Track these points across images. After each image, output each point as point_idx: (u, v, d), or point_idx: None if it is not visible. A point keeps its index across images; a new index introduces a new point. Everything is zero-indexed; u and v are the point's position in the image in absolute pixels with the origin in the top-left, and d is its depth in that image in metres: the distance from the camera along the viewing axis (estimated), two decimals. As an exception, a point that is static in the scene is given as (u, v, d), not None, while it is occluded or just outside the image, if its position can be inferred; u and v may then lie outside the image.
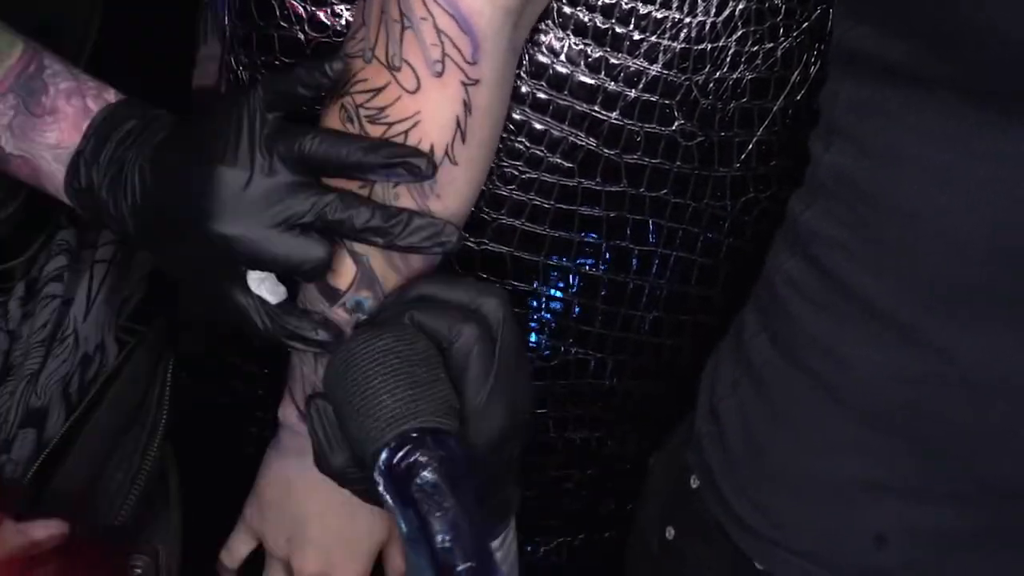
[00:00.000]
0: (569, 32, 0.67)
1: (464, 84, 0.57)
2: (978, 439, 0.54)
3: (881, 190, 0.55)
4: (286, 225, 0.55)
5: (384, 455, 0.50)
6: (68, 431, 0.68)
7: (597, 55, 0.68)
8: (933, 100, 0.52)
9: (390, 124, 0.57)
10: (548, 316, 0.75)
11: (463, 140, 0.58)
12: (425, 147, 0.57)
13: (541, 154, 0.69)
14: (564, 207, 0.71)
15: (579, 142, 0.69)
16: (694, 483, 0.67)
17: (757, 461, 0.63)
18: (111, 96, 0.60)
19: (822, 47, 0.70)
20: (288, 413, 0.67)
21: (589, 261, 0.73)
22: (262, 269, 0.57)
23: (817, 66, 0.70)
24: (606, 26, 0.67)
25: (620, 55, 0.68)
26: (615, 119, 0.69)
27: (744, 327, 0.66)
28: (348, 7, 0.68)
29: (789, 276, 0.61)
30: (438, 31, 0.56)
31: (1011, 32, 0.47)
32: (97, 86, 0.60)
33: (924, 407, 0.55)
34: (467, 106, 0.58)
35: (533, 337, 0.75)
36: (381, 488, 0.50)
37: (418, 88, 0.57)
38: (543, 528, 0.84)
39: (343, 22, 0.69)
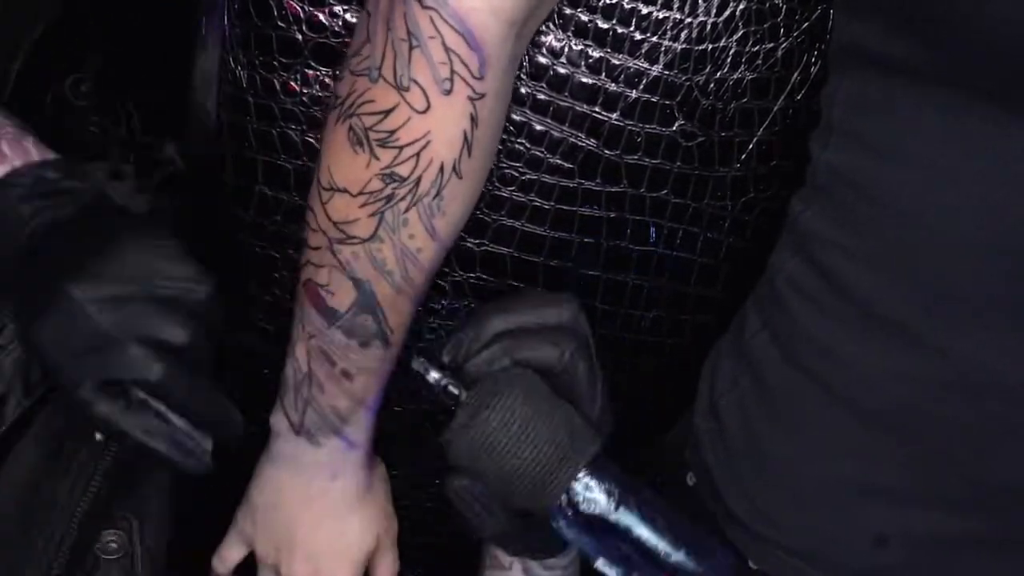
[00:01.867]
0: (570, 33, 0.67)
1: (471, 99, 0.57)
2: (975, 441, 0.54)
3: (879, 189, 0.55)
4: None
5: (564, 501, 0.53)
6: (24, 414, 0.67)
7: (598, 56, 0.67)
8: (932, 97, 0.52)
9: (401, 147, 0.57)
10: (548, 316, 0.75)
11: (469, 154, 0.58)
12: (435, 166, 0.57)
13: (541, 155, 0.69)
14: (564, 208, 0.71)
15: (579, 143, 0.69)
16: (691, 480, 0.67)
17: (755, 459, 0.63)
18: (30, 145, 0.58)
19: (822, 47, 0.69)
20: (279, 421, 0.67)
21: (589, 261, 0.73)
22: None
23: (818, 66, 0.70)
24: (607, 27, 0.67)
25: (621, 56, 0.67)
26: (616, 120, 0.69)
27: (745, 325, 0.66)
28: (346, 8, 0.68)
29: (789, 276, 0.61)
30: (447, 49, 0.55)
31: (1010, 28, 0.47)
32: (15, 131, 0.58)
33: (922, 408, 0.55)
34: (474, 120, 0.58)
35: (533, 337, 0.75)
36: (567, 531, 0.54)
37: (428, 108, 0.56)
38: (543, 526, 0.84)
39: (340, 23, 0.68)
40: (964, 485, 0.55)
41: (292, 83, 0.70)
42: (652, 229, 0.72)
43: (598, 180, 0.70)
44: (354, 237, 0.59)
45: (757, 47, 0.68)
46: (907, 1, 0.51)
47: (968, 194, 0.51)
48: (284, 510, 0.68)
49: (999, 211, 0.51)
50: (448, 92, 0.56)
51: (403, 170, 0.58)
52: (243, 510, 0.71)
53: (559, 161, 0.70)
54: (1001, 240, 0.51)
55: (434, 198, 0.59)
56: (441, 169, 0.58)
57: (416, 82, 0.56)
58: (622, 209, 0.71)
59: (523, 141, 0.69)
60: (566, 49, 0.67)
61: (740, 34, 0.68)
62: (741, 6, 0.67)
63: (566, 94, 0.68)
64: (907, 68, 0.53)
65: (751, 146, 0.71)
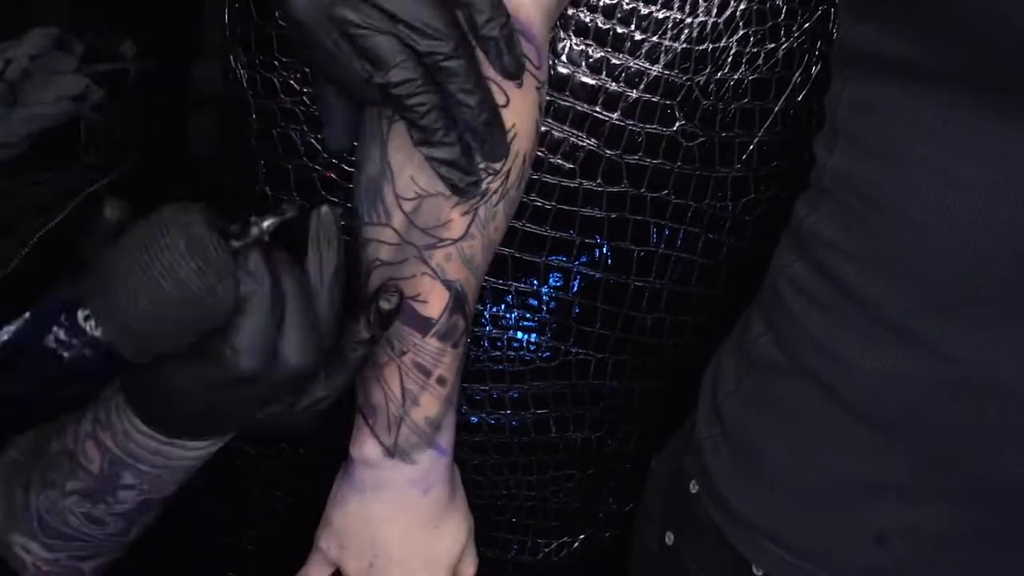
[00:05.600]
0: (570, 33, 0.67)
1: (537, 89, 0.59)
2: (977, 443, 0.54)
3: (884, 192, 0.55)
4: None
5: None
6: None
7: (598, 56, 0.67)
8: (936, 99, 0.52)
9: None
10: (549, 316, 0.75)
11: (538, 142, 0.61)
12: (520, 157, 0.59)
13: (542, 155, 0.69)
14: (565, 208, 0.71)
15: (580, 143, 0.69)
16: (693, 488, 0.67)
17: (759, 461, 0.63)
18: None
19: (823, 48, 0.69)
20: (367, 450, 0.65)
21: (590, 262, 0.73)
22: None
23: (818, 67, 0.70)
24: (607, 27, 0.67)
25: (621, 56, 0.67)
26: (616, 120, 0.69)
27: (749, 327, 0.66)
28: (348, 7, 0.68)
29: (793, 278, 0.61)
30: None
31: (1018, 24, 0.47)
32: None
33: (924, 409, 0.55)
34: (540, 108, 0.60)
35: (534, 337, 0.75)
36: None
37: (508, 102, 0.57)
38: (543, 528, 0.84)
39: (343, 22, 0.68)
40: (966, 483, 0.55)
41: (292, 82, 0.70)
42: (653, 229, 0.72)
43: (599, 180, 0.70)
44: (445, 239, 0.59)
45: (758, 47, 0.68)
46: (912, 3, 0.51)
47: (971, 198, 0.51)
48: (376, 530, 0.67)
49: (1002, 215, 0.51)
50: (520, 85, 0.58)
51: (496, 163, 0.59)
52: (325, 534, 0.69)
53: (560, 161, 0.70)
54: (1005, 244, 0.51)
55: (517, 188, 0.60)
56: (524, 159, 0.59)
57: (491, 79, 0.57)
58: (623, 209, 0.71)
59: (524, 141, 0.69)
60: (567, 49, 0.67)
61: (741, 34, 0.68)
62: (742, 6, 0.67)
63: (567, 94, 0.68)
64: (910, 69, 0.53)
65: (752, 146, 0.71)
